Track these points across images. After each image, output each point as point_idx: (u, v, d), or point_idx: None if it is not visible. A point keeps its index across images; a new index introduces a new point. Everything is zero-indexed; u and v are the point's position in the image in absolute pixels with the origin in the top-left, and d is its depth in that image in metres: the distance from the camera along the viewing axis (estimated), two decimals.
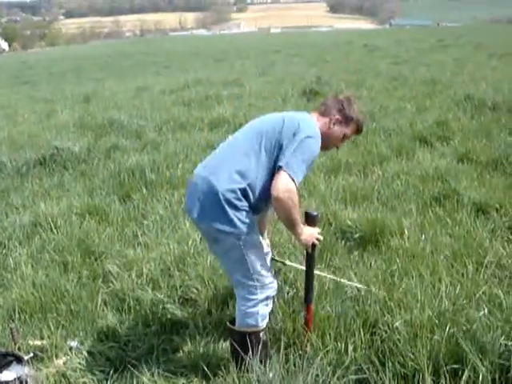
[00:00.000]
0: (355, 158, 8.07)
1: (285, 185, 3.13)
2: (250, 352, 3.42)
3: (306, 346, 3.61)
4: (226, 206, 3.21)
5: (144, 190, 7.23)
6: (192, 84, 18.81)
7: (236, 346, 3.53)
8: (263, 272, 3.40)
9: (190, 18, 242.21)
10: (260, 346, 3.47)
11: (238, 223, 3.24)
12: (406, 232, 5.31)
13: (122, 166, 8.15)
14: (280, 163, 3.17)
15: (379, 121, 10.53)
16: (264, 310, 3.47)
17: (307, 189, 6.81)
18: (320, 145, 3.34)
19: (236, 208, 3.23)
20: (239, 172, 3.25)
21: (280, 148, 3.24)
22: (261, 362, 3.40)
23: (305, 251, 3.65)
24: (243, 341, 3.48)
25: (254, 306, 3.42)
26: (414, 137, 9.19)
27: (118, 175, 7.85)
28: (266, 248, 3.52)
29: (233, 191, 3.21)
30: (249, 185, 3.24)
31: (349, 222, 5.57)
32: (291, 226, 3.36)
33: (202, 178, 3.33)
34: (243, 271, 3.38)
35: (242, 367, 3.40)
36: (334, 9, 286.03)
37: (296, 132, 3.24)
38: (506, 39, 38.30)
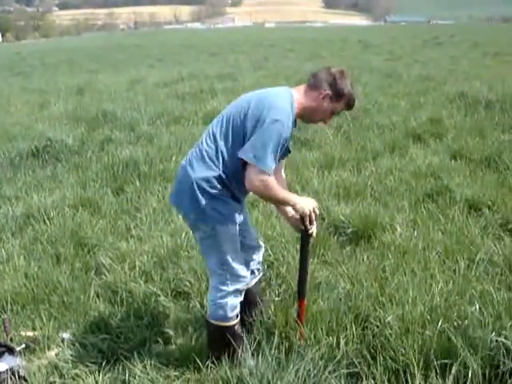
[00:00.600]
0: (349, 153, 8.09)
1: (254, 177, 3.12)
2: (224, 345, 3.46)
3: (300, 340, 3.62)
4: (200, 195, 3.21)
5: (137, 183, 7.23)
6: (186, 77, 18.78)
7: (210, 338, 3.61)
8: (235, 264, 3.41)
9: (185, 11, 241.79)
10: (233, 339, 3.48)
11: (212, 213, 3.24)
12: (399, 228, 5.33)
13: (116, 159, 8.13)
14: (248, 157, 3.11)
15: (373, 117, 10.56)
16: (233, 301, 3.47)
17: (300, 183, 6.82)
18: (290, 124, 3.20)
19: (211, 196, 3.22)
20: (210, 158, 3.24)
21: (246, 131, 3.18)
22: (233, 355, 3.45)
23: (298, 246, 3.66)
24: (215, 332, 3.54)
25: (223, 297, 3.44)
26: (408, 133, 9.23)
27: (111, 168, 7.84)
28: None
29: (206, 180, 3.21)
30: (224, 172, 3.22)
31: (342, 218, 5.58)
32: (283, 204, 3.44)
33: (182, 168, 3.37)
34: (216, 260, 3.40)
35: (215, 359, 3.45)
36: (328, 4, 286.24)
37: (261, 116, 3.13)
38: (501, 38, 38.38)
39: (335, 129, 9.63)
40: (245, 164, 3.18)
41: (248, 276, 3.59)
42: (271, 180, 3.16)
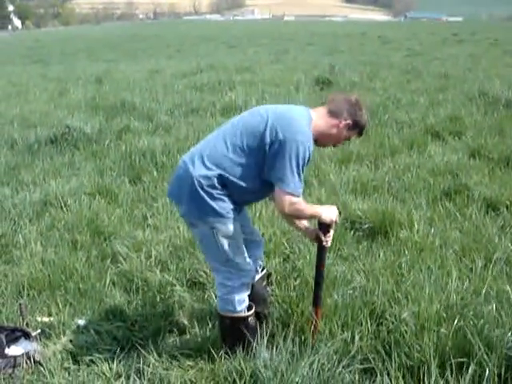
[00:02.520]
0: (367, 149, 8.05)
1: (285, 202, 3.19)
2: (236, 337, 3.47)
3: (313, 338, 3.61)
4: (202, 193, 3.20)
5: (154, 173, 7.25)
6: (205, 69, 18.79)
7: (223, 330, 3.62)
8: (237, 260, 3.40)
9: (205, 2, 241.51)
10: (247, 331, 3.48)
11: (211, 212, 3.23)
12: (416, 225, 5.30)
13: (133, 148, 8.17)
14: (274, 181, 3.16)
15: (392, 113, 10.51)
16: (240, 295, 3.47)
17: (317, 178, 6.80)
18: (311, 145, 3.24)
19: (211, 196, 3.21)
20: (214, 159, 3.23)
21: (264, 146, 3.18)
22: (247, 347, 3.46)
23: (316, 252, 3.66)
24: (227, 324, 3.55)
25: (230, 292, 3.44)
26: (426, 130, 9.18)
27: (128, 157, 7.87)
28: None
29: (207, 178, 3.20)
30: (224, 173, 3.21)
31: (358, 213, 5.56)
32: (310, 218, 3.55)
33: (183, 163, 3.35)
34: (217, 258, 3.41)
35: (229, 351, 3.47)
36: None
37: (284, 135, 3.14)
38: None
39: None
40: (258, 173, 3.24)
41: (254, 268, 3.60)
42: (301, 202, 3.23)
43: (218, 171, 3.21)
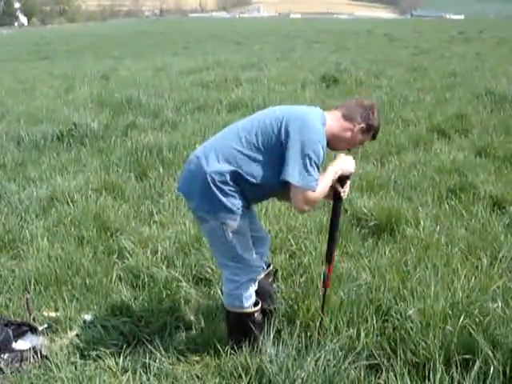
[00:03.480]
0: (372, 147, 8.04)
1: (303, 201, 3.21)
2: (242, 332, 3.49)
3: (319, 334, 3.62)
4: (214, 189, 3.21)
5: (161, 169, 7.26)
6: (211, 66, 18.80)
7: (229, 325, 3.64)
8: (246, 255, 3.41)
9: None
10: (253, 327, 3.49)
11: (223, 207, 3.25)
12: (422, 222, 5.30)
13: (140, 144, 8.18)
14: (289, 178, 3.16)
15: (398, 111, 10.50)
16: (248, 291, 3.48)
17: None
18: (325, 144, 3.26)
19: (223, 192, 3.23)
20: (228, 156, 3.24)
21: (279, 145, 3.21)
22: (253, 342, 3.47)
23: (331, 207, 3.65)
24: (234, 321, 3.57)
25: (237, 288, 3.45)
26: (433, 128, 9.17)
27: (135, 153, 7.89)
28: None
29: (220, 173, 3.21)
30: (237, 170, 3.22)
31: (364, 210, 5.57)
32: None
33: (196, 158, 3.36)
34: (226, 253, 3.42)
35: (235, 346, 3.49)
36: None
37: (298, 134, 3.18)
38: None
39: None
40: (272, 170, 3.25)
41: (261, 264, 3.61)
42: (316, 193, 3.23)
43: (232, 168, 3.22)
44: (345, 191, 3.54)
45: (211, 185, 3.21)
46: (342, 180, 3.49)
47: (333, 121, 3.39)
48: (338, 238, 3.74)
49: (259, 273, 3.58)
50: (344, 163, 3.42)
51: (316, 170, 3.19)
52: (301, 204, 3.23)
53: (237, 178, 3.24)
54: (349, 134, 3.42)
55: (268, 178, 3.27)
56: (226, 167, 3.22)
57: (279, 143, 3.21)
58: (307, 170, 3.15)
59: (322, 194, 3.29)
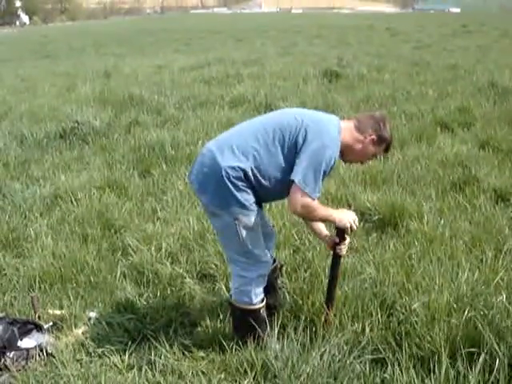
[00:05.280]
0: None
1: (299, 202, 3.21)
2: (249, 328, 3.49)
3: (325, 326, 3.62)
4: (228, 184, 3.22)
5: (164, 166, 7.27)
6: (213, 62, 18.77)
7: (235, 321, 3.66)
8: (256, 251, 3.42)
9: None
10: (258, 323, 3.50)
11: (236, 203, 3.25)
12: (426, 216, 5.29)
13: (142, 142, 8.20)
14: (294, 177, 3.18)
15: (401, 105, 10.49)
16: (257, 287, 3.49)
17: None
18: (338, 154, 3.31)
19: (236, 187, 3.24)
20: (244, 152, 3.26)
21: (295, 147, 3.24)
22: (258, 338, 3.48)
23: (331, 256, 3.67)
24: (241, 317, 3.57)
25: (247, 284, 3.45)
26: (436, 122, 9.14)
27: (138, 150, 7.90)
28: None
29: (234, 169, 3.22)
30: (252, 167, 3.24)
31: (368, 205, 5.57)
32: (323, 221, 3.59)
33: (209, 151, 3.36)
34: (237, 249, 3.42)
35: (240, 342, 3.49)
36: None
37: (313, 138, 3.22)
38: None
39: None
40: (284, 173, 3.28)
41: (270, 260, 3.60)
42: (315, 203, 3.26)
43: (247, 164, 3.23)
44: (341, 248, 3.55)
45: (225, 180, 3.22)
46: (340, 233, 3.50)
47: (346, 131, 3.41)
48: (337, 287, 3.74)
49: (269, 269, 3.58)
50: (343, 215, 3.42)
51: (321, 179, 3.23)
52: (296, 205, 3.24)
53: (250, 175, 3.25)
54: (360, 145, 3.44)
55: (280, 177, 3.30)
56: (242, 163, 3.23)
57: (295, 145, 3.24)
58: (313, 177, 3.18)
59: (314, 213, 3.31)
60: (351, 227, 3.43)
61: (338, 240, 3.52)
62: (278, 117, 3.48)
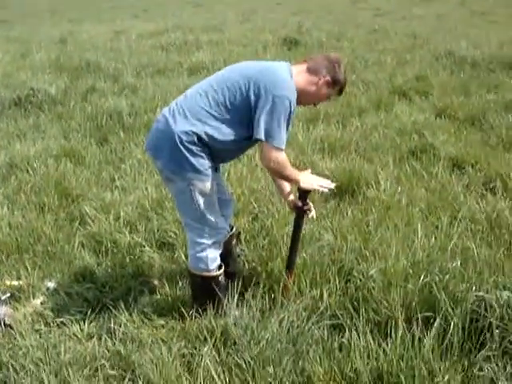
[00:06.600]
0: (334, 109, 8.05)
1: (270, 157, 3.20)
2: (208, 295, 3.51)
3: (284, 294, 3.65)
4: (182, 149, 3.19)
5: (121, 134, 7.19)
6: (171, 29, 18.50)
7: (194, 288, 3.67)
8: (212, 217, 3.41)
9: None
10: (217, 290, 3.52)
11: (190, 168, 3.23)
12: (383, 184, 5.35)
13: (99, 109, 8.09)
14: (258, 135, 3.16)
15: (359, 73, 10.51)
16: (213, 253, 3.50)
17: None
18: (295, 99, 3.25)
19: (191, 152, 3.21)
20: (196, 115, 3.22)
21: (248, 104, 3.20)
22: (217, 305, 3.50)
23: (293, 218, 3.69)
24: (200, 284, 3.58)
25: (203, 250, 3.46)
26: (394, 90, 9.22)
27: (95, 118, 7.80)
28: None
29: (187, 133, 3.19)
30: (206, 130, 3.20)
31: (326, 172, 5.58)
32: (288, 181, 3.56)
33: (163, 117, 3.34)
34: (192, 214, 3.41)
35: (200, 309, 3.51)
36: None
37: (267, 89, 3.16)
38: None
39: None
40: (239, 129, 3.26)
41: (225, 228, 3.61)
42: (284, 156, 3.26)
43: (200, 127, 3.20)
44: (308, 208, 3.58)
45: (179, 145, 3.19)
46: (301, 195, 3.52)
47: (298, 74, 3.37)
48: (299, 249, 3.77)
49: (225, 236, 3.59)
50: (307, 178, 3.45)
51: (285, 128, 3.20)
52: (267, 161, 3.23)
53: (204, 137, 3.21)
54: (314, 88, 3.40)
55: (236, 136, 3.27)
56: (195, 128, 3.20)
57: (248, 101, 3.19)
58: (277, 129, 3.15)
59: (284, 168, 3.30)
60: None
61: (300, 203, 3.54)
62: (226, 75, 3.40)
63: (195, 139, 3.20)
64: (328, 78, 3.38)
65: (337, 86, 3.45)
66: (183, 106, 3.30)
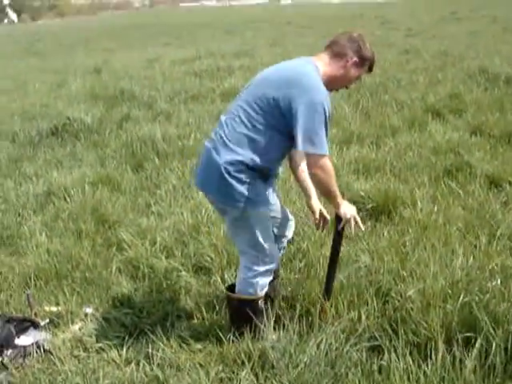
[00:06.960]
0: (367, 129, 8.04)
1: (317, 164, 3.14)
2: (246, 319, 3.47)
3: (321, 316, 3.62)
4: (230, 179, 3.16)
5: (156, 160, 7.26)
6: (203, 55, 18.71)
7: (233, 312, 3.65)
8: (266, 245, 3.39)
9: None
10: (256, 314, 3.49)
11: (240, 197, 3.20)
12: (419, 203, 5.30)
13: (134, 136, 8.19)
14: (300, 147, 3.10)
15: (392, 93, 10.48)
16: (263, 280, 3.49)
17: None
18: (327, 97, 3.16)
19: (240, 181, 3.18)
20: (237, 142, 3.19)
21: (283, 117, 3.13)
22: (255, 329, 3.46)
23: (331, 243, 3.66)
24: (238, 307, 3.56)
25: (255, 276, 3.44)
26: (427, 109, 9.14)
27: (130, 145, 7.90)
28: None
29: (233, 164, 3.16)
30: (250, 154, 3.17)
31: (361, 193, 5.56)
32: (330, 197, 3.36)
33: (206, 150, 3.32)
34: (247, 242, 3.39)
35: (237, 333, 3.48)
36: None
37: (299, 99, 3.08)
38: None
39: (353, 105, 9.60)
40: (289, 146, 3.25)
41: (278, 256, 3.60)
42: (330, 163, 3.19)
43: (244, 154, 3.17)
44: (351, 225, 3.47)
45: (226, 176, 3.16)
46: (338, 222, 3.48)
47: (325, 66, 3.30)
48: (336, 272, 3.73)
49: (278, 264, 3.57)
50: (349, 208, 3.41)
51: (325, 133, 3.13)
52: (314, 169, 3.17)
53: (250, 163, 3.18)
54: (342, 71, 3.33)
55: (279, 151, 3.28)
56: (239, 156, 3.17)
57: (282, 112, 3.14)
58: (317, 136, 3.09)
59: (331, 176, 3.22)
60: (349, 222, 3.41)
61: (339, 227, 3.49)
62: (253, 91, 3.30)
63: (242, 167, 3.17)
64: (355, 58, 3.31)
65: (366, 63, 3.38)
66: (223, 135, 3.25)
